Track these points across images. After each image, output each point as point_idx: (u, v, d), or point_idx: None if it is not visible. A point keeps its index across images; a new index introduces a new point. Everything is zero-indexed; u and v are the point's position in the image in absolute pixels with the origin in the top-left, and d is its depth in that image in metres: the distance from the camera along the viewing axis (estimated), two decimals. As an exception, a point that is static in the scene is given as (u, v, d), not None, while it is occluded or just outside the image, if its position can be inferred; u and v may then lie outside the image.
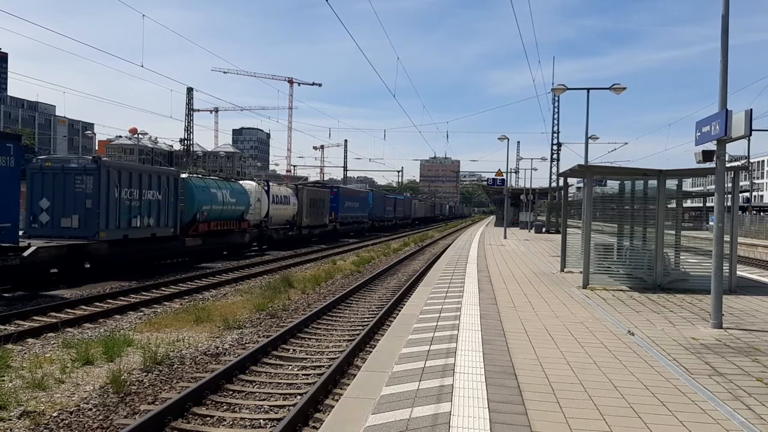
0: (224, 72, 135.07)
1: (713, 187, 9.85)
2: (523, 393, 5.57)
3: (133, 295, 15.66)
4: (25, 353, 9.57)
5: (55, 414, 6.83)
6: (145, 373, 8.48)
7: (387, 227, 65.03)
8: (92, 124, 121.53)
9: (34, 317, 12.51)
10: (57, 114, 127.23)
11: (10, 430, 6.37)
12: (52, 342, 10.41)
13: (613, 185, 16.72)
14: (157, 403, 7.40)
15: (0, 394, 7.07)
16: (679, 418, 5.01)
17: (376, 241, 44.17)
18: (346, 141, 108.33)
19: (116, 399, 7.43)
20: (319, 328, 12.23)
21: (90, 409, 7.05)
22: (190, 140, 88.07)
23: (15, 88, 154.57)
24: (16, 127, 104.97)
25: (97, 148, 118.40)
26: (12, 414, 6.69)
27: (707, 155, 9.28)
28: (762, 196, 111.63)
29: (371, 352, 8.19)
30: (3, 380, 7.82)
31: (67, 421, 6.68)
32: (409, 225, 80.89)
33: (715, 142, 9.00)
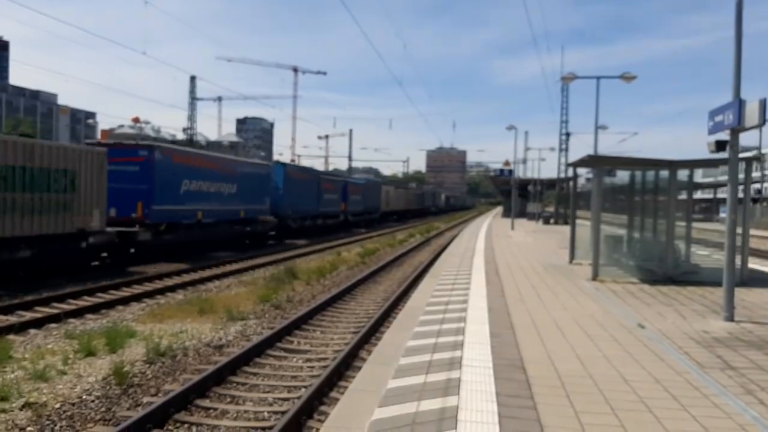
0: (228, 60, 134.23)
1: (725, 178, 9.68)
2: (531, 387, 5.46)
3: (136, 286, 15.61)
4: (27, 344, 9.50)
5: (57, 405, 6.77)
6: (147, 365, 8.40)
7: (323, 228, 39.58)
8: (94, 113, 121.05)
9: (36, 308, 12.45)
10: (59, 103, 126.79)
11: (12, 421, 6.31)
12: (54, 333, 10.34)
13: (623, 176, 16.51)
14: (159, 395, 7.32)
15: (2, 385, 7.00)
16: (691, 412, 4.90)
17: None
18: (351, 130, 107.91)
19: (119, 391, 7.37)
20: (324, 320, 12.14)
21: (92, 401, 6.99)
22: (193, 129, 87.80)
23: (17, 77, 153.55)
24: (18, 116, 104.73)
25: (99, 137, 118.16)
26: (14, 405, 6.63)
27: (720, 145, 9.11)
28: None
29: (377, 344, 8.09)
30: (5, 371, 7.76)
31: (69, 413, 6.62)
32: (376, 222, 55.20)
33: (728, 131, 8.82)
